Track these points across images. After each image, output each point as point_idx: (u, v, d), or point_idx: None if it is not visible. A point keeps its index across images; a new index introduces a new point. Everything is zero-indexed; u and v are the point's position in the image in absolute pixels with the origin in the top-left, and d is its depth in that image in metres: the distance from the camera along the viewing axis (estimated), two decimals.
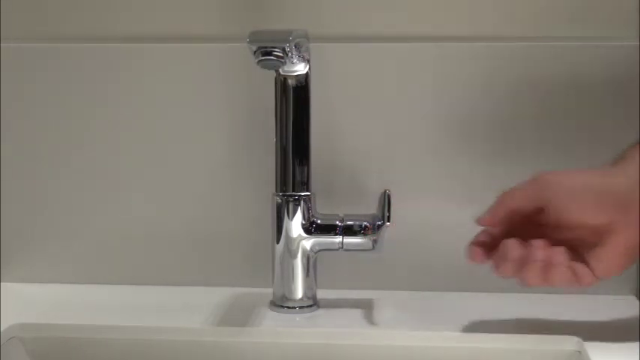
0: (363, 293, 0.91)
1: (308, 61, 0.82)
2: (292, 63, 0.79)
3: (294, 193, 0.84)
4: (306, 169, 0.84)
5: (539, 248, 0.72)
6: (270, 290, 0.87)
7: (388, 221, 0.82)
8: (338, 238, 0.84)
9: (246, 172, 0.92)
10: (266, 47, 0.73)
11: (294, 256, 0.85)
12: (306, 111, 0.84)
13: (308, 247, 0.85)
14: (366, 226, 0.83)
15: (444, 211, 0.90)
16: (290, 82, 0.82)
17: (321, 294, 0.88)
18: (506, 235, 0.75)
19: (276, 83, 0.83)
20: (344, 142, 0.91)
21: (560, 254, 0.72)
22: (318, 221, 0.85)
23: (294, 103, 0.83)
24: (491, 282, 0.91)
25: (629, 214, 0.70)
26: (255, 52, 0.73)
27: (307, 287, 0.86)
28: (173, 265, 0.94)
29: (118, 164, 0.93)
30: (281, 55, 0.73)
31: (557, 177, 0.73)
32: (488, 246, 0.76)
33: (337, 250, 0.85)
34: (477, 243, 0.77)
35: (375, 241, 0.83)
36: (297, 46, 0.77)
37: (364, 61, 0.89)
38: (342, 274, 0.92)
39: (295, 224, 0.84)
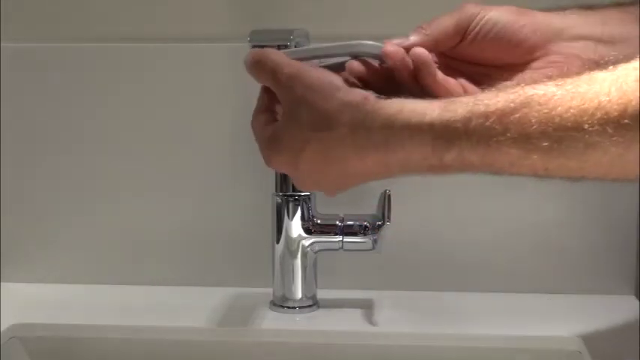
0: (363, 293, 0.91)
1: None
2: None
3: (294, 193, 0.84)
4: None
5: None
6: (270, 290, 0.87)
7: (388, 221, 0.82)
8: (338, 238, 0.84)
9: (246, 172, 0.92)
10: (267, 46, 0.73)
11: (294, 256, 0.85)
12: None
13: (308, 247, 0.85)
14: (366, 226, 0.83)
15: (444, 211, 0.90)
16: None
17: (321, 294, 0.88)
18: None
19: None
20: None
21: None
22: (318, 221, 0.85)
23: None
24: (492, 282, 0.91)
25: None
26: None
27: (307, 287, 0.86)
28: (173, 265, 0.94)
29: (118, 164, 0.93)
30: None
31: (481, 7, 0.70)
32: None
33: (337, 250, 0.85)
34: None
35: (375, 241, 0.83)
36: (298, 46, 0.77)
37: None
38: (342, 274, 0.92)
39: (295, 224, 0.84)
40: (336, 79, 0.65)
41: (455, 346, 0.80)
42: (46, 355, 0.83)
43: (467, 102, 0.60)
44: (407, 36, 0.69)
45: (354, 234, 0.84)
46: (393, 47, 0.68)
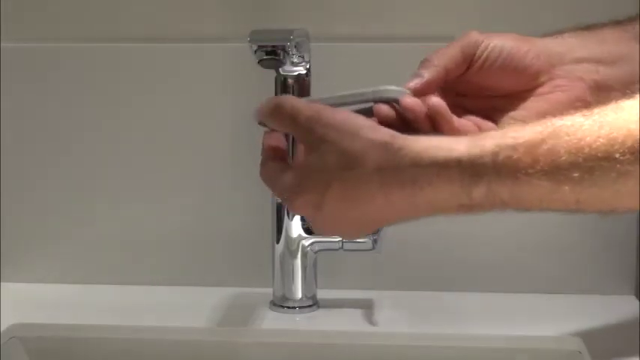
0: (363, 293, 0.91)
1: (308, 61, 0.82)
2: (292, 63, 0.79)
3: None
4: None
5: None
6: (270, 290, 0.87)
7: None
8: (338, 238, 0.84)
9: (247, 172, 0.92)
10: (267, 46, 0.73)
11: (294, 256, 0.85)
12: None
13: (308, 247, 0.85)
14: None
15: None
16: (290, 81, 0.82)
17: (321, 294, 0.88)
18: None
19: (276, 83, 0.83)
20: None
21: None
22: None
23: None
24: (492, 282, 0.91)
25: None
26: (255, 51, 0.74)
27: (307, 287, 0.86)
28: (173, 265, 0.94)
29: (118, 164, 0.93)
30: (281, 54, 0.73)
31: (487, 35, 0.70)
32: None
33: (337, 250, 0.85)
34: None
35: (375, 241, 0.83)
36: (298, 46, 0.77)
37: (364, 61, 0.89)
38: (342, 274, 0.92)
39: (295, 224, 0.84)
40: (359, 119, 0.63)
41: (455, 346, 0.80)
42: (46, 355, 0.83)
43: (493, 136, 0.59)
44: (419, 74, 0.68)
45: None
46: (412, 100, 0.66)
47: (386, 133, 0.62)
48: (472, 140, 0.60)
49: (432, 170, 0.60)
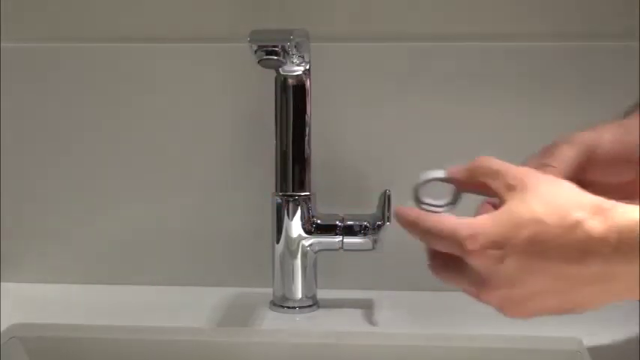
0: (363, 293, 0.91)
1: (308, 61, 0.82)
2: (292, 63, 0.79)
3: (294, 193, 0.84)
4: (306, 169, 0.84)
5: None
6: (270, 290, 0.87)
7: (388, 221, 0.82)
8: (338, 238, 0.84)
9: (246, 172, 0.92)
10: (267, 46, 0.73)
11: (294, 256, 0.85)
12: (306, 111, 0.84)
13: (308, 247, 0.85)
14: (366, 226, 0.84)
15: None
16: (290, 81, 0.82)
17: (321, 294, 0.88)
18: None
19: (276, 83, 0.83)
20: (344, 142, 0.91)
21: None
22: (318, 221, 0.85)
23: (294, 102, 0.83)
24: None
25: None
26: (255, 51, 0.74)
27: (307, 287, 0.86)
28: (173, 265, 0.94)
29: (118, 164, 0.93)
30: (281, 54, 0.73)
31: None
32: None
33: (337, 250, 0.85)
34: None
35: (375, 241, 0.83)
36: (298, 46, 0.77)
37: (364, 61, 0.89)
38: (342, 274, 0.92)
39: (295, 224, 0.84)
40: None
41: (455, 346, 0.80)
42: (46, 355, 0.83)
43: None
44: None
45: (354, 234, 0.84)
46: None
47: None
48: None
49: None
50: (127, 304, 0.89)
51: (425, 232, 0.63)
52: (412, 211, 0.65)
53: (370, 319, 0.85)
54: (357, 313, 0.86)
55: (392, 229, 0.82)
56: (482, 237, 0.59)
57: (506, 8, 0.88)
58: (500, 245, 0.59)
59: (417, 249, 0.92)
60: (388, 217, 0.82)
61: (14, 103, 0.93)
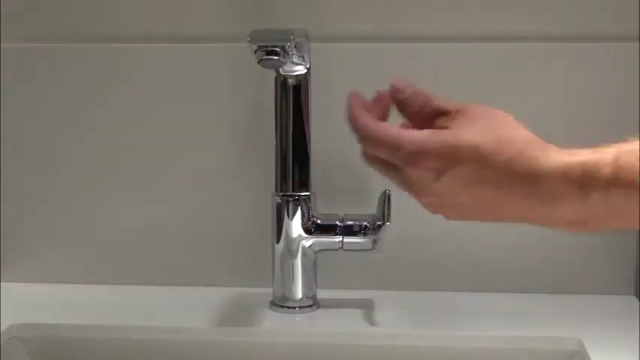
0: (363, 293, 0.91)
1: (308, 61, 0.82)
2: (292, 63, 0.79)
3: (294, 193, 0.84)
4: (306, 169, 0.84)
5: None
6: (270, 290, 0.87)
7: (388, 221, 0.82)
8: (338, 238, 0.84)
9: (246, 172, 0.92)
10: (267, 46, 0.73)
11: (294, 256, 0.85)
12: (306, 111, 0.84)
13: (308, 247, 0.85)
14: (366, 226, 0.84)
15: None
16: (290, 81, 0.82)
17: (321, 294, 0.88)
18: None
19: (276, 83, 0.83)
20: (344, 142, 0.91)
21: None
22: (318, 221, 0.85)
23: (294, 102, 0.83)
24: (491, 282, 0.91)
25: None
26: (255, 51, 0.73)
27: (307, 287, 0.86)
28: (173, 265, 0.94)
29: (118, 164, 0.93)
30: (281, 54, 0.73)
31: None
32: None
33: (337, 250, 0.85)
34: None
35: (375, 241, 0.83)
36: (298, 46, 0.77)
37: (364, 61, 0.89)
38: (342, 274, 0.92)
39: (295, 224, 0.84)
40: None
41: (455, 346, 0.80)
42: (46, 355, 0.83)
43: (613, 145, 0.61)
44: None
45: (354, 234, 0.84)
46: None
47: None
48: (592, 149, 0.61)
49: (558, 171, 0.61)
50: (127, 304, 0.89)
51: (368, 138, 0.70)
52: (363, 115, 0.71)
53: (370, 319, 0.85)
54: (357, 313, 0.86)
55: (392, 229, 0.82)
56: (423, 155, 0.65)
57: (505, 9, 0.88)
58: (439, 168, 0.65)
59: (417, 249, 0.92)
60: (388, 217, 0.82)
61: (14, 103, 0.93)
